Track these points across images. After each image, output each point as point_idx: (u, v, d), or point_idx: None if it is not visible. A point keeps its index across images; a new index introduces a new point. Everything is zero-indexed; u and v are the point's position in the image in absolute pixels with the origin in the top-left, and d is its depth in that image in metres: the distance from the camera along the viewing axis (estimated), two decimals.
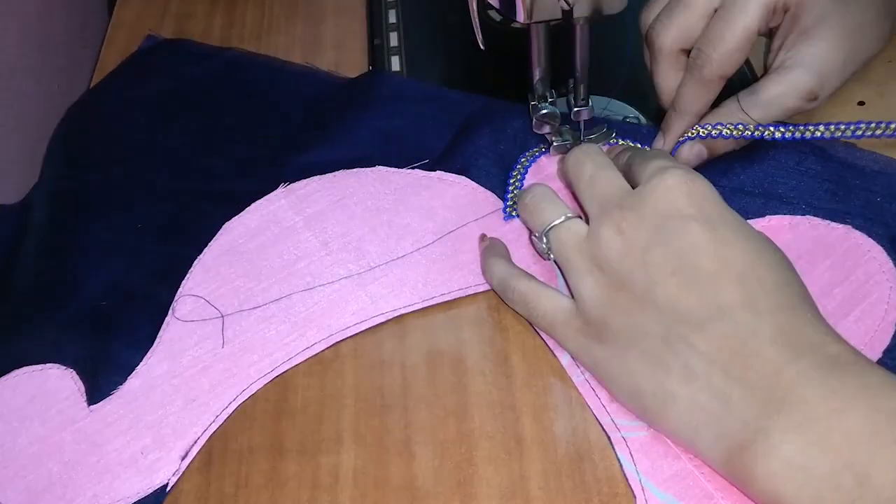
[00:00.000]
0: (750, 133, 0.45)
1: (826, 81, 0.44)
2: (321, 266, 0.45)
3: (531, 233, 0.43)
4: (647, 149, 0.48)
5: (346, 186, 0.49)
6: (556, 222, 0.41)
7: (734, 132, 0.45)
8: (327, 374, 0.43)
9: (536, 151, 0.49)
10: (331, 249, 0.46)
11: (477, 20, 0.45)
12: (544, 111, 0.46)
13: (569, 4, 0.41)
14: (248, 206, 0.48)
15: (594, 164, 0.41)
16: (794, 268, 0.38)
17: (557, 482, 0.38)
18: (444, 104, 0.53)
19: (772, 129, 0.45)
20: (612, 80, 0.51)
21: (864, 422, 0.31)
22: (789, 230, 0.44)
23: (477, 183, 0.48)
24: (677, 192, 0.37)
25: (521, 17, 0.42)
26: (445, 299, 0.44)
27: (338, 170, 0.49)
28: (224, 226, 0.47)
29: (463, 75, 0.58)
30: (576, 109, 0.47)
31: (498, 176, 0.48)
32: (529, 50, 0.45)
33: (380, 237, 0.46)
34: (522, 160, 0.49)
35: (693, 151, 0.46)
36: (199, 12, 0.65)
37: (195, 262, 0.46)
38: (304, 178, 0.49)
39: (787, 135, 0.45)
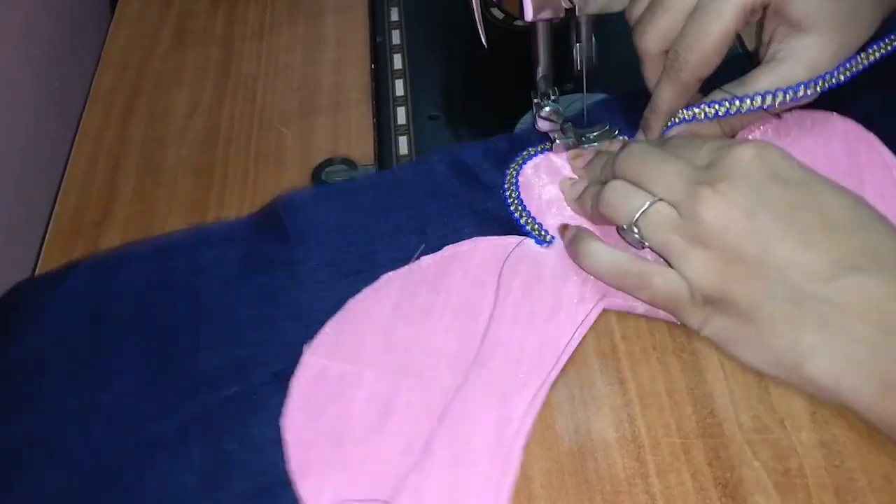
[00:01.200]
0: (726, 109, 0.44)
1: (817, 74, 0.44)
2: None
3: (618, 227, 0.41)
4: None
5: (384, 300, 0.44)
6: (644, 209, 0.40)
7: (709, 111, 0.44)
8: None
9: (527, 154, 0.49)
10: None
11: (480, 18, 0.45)
12: (547, 109, 0.46)
13: (572, 2, 0.41)
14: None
15: (656, 154, 0.41)
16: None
17: (560, 480, 0.38)
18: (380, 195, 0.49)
19: (738, 102, 0.44)
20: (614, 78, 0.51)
21: None
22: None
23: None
24: (756, 161, 0.38)
25: (526, 15, 0.42)
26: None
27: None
28: None
29: (465, 73, 0.57)
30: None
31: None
32: (533, 48, 0.45)
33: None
34: (517, 159, 0.48)
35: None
36: (200, 11, 0.65)
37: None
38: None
39: (754, 105, 0.44)
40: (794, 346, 0.37)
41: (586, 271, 0.42)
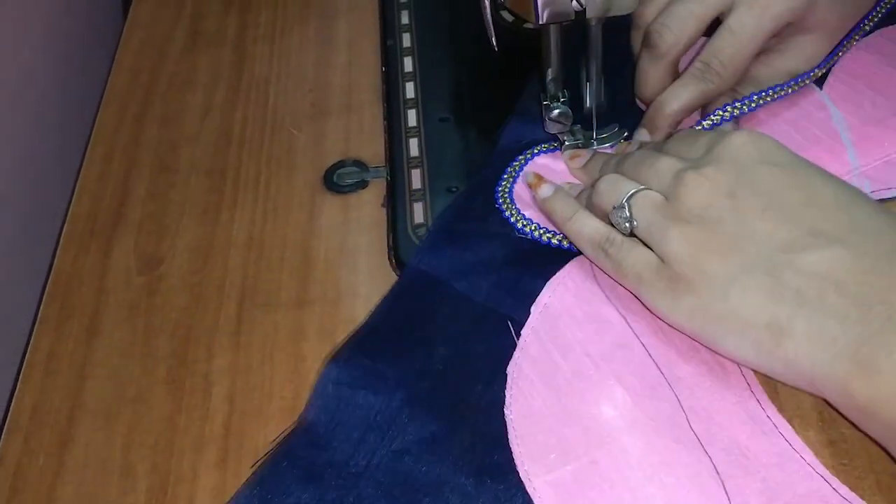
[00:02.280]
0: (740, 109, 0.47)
1: (812, 65, 0.48)
2: None
3: (608, 214, 0.41)
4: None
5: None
6: (634, 191, 0.40)
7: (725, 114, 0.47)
8: None
9: (531, 153, 0.49)
10: None
11: (490, 21, 0.45)
12: (557, 111, 0.47)
13: (581, 5, 0.42)
14: None
15: (652, 152, 0.42)
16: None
17: None
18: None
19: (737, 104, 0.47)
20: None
21: None
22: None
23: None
24: (749, 146, 0.38)
25: (535, 17, 0.42)
26: None
27: None
28: None
29: (475, 76, 0.58)
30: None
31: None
32: (542, 50, 0.46)
33: None
34: (520, 158, 0.49)
35: None
36: (213, 13, 0.66)
37: None
38: None
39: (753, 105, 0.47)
40: (771, 320, 0.35)
41: (565, 233, 0.43)
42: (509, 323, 0.42)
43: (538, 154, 0.49)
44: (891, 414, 0.32)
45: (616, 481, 0.37)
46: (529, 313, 0.42)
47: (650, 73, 0.48)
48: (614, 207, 0.41)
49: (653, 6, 0.48)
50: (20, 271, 0.55)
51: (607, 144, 0.49)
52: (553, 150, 0.49)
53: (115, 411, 0.43)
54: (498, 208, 0.47)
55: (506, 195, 0.47)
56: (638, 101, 0.50)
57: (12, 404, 0.44)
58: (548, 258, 0.44)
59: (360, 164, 0.53)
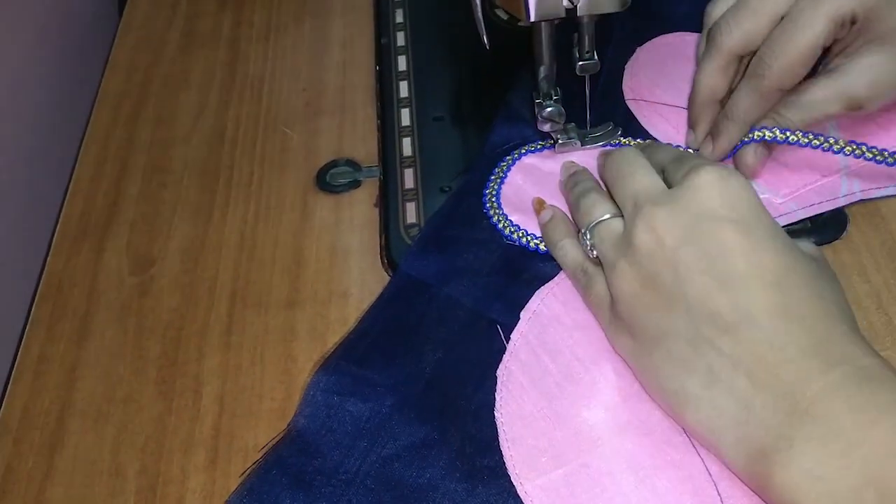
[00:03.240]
0: (808, 142, 0.43)
1: (877, 92, 0.42)
2: None
3: (581, 228, 0.42)
4: (686, 150, 0.47)
5: None
6: (600, 219, 0.40)
7: (791, 138, 0.43)
8: None
9: (518, 153, 0.49)
10: None
11: (480, 19, 0.45)
12: (549, 109, 0.46)
13: (572, 2, 0.41)
14: None
15: (630, 164, 0.41)
16: (834, 278, 0.38)
17: None
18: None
19: (832, 140, 0.43)
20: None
21: (891, 437, 0.30)
22: None
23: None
24: (711, 191, 0.36)
25: (526, 15, 0.42)
26: None
27: None
28: None
29: (469, 75, 0.57)
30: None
31: None
32: (535, 48, 0.45)
33: None
34: (507, 159, 0.49)
35: (757, 155, 0.45)
36: (207, 12, 0.66)
37: None
38: None
39: (847, 150, 0.43)
40: (678, 392, 0.36)
41: (553, 256, 0.44)
42: (498, 327, 0.42)
43: (525, 154, 0.49)
44: (789, 499, 0.31)
45: (608, 485, 0.36)
46: (518, 318, 0.42)
47: (706, 69, 0.45)
48: (580, 232, 0.42)
49: (722, 4, 0.45)
50: (12, 272, 0.55)
51: (600, 143, 0.48)
52: (541, 150, 0.49)
53: (106, 412, 0.43)
54: (485, 213, 0.47)
55: (493, 199, 0.47)
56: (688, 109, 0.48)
57: (2, 406, 0.44)
58: (535, 263, 0.44)
59: (352, 164, 0.53)
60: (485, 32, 0.45)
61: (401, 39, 0.60)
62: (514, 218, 0.46)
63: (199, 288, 0.48)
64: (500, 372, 0.40)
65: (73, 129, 0.61)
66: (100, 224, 0.52)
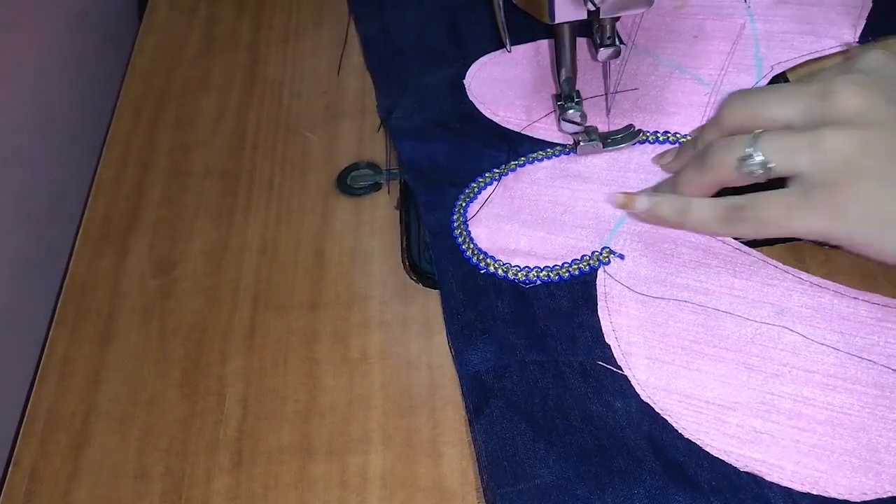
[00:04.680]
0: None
1: None
2: None
3: (736, 167, 0.39)
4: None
5: None
6: (757, 133, 0.39)
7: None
8: (354, 374, 0.43)
9: (492, 176, 0.49)
10: None
11: (503, 22, 0.45)
12: (570, 111, 0.46)
13: (595, 4, 0.41)
14: None
15: (761, 92, 0.41)
16: None
17: None
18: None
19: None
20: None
21: None
22: None
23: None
24: (891, 60, 0.38)
25: (550, 17, 0.42)
26: None
27: None
28: None
29: None
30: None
31: None
32: (557, 50, 0.45)
33: None
34: (479, 180, 0.48)
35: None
36: (227, 17, 0.66)
37: None
38: None
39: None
40: None
41: (687, 228, 0.42)
42: (600, 363, 0.40)
43: (504, 176, 0.48)
44: None
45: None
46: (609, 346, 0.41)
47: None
48: (740, 159, 0.39)
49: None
50: (36, 275, 0.56)
51: (622, 145, 0.48)
52: (526, 164, 0.49)
53: (130, 414, 0.43)
54: (457, 245, 0.46)
55: (461, 226, 0.46)
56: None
57: (28, 408, 0.45)
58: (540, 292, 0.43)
59: (373, 167, 0.53)
60: (507, 35, 0.45)
61: None
62: (482, 245, 0.45)
63: (222, 290, 0.48)
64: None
65: (95, 133, 0.61)
66: (122, 227, 0.52)
